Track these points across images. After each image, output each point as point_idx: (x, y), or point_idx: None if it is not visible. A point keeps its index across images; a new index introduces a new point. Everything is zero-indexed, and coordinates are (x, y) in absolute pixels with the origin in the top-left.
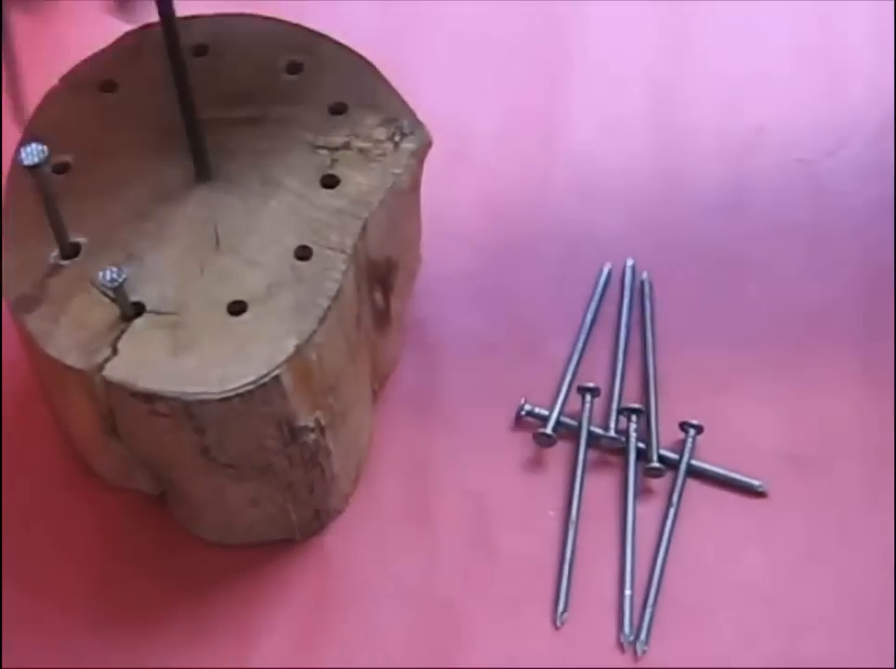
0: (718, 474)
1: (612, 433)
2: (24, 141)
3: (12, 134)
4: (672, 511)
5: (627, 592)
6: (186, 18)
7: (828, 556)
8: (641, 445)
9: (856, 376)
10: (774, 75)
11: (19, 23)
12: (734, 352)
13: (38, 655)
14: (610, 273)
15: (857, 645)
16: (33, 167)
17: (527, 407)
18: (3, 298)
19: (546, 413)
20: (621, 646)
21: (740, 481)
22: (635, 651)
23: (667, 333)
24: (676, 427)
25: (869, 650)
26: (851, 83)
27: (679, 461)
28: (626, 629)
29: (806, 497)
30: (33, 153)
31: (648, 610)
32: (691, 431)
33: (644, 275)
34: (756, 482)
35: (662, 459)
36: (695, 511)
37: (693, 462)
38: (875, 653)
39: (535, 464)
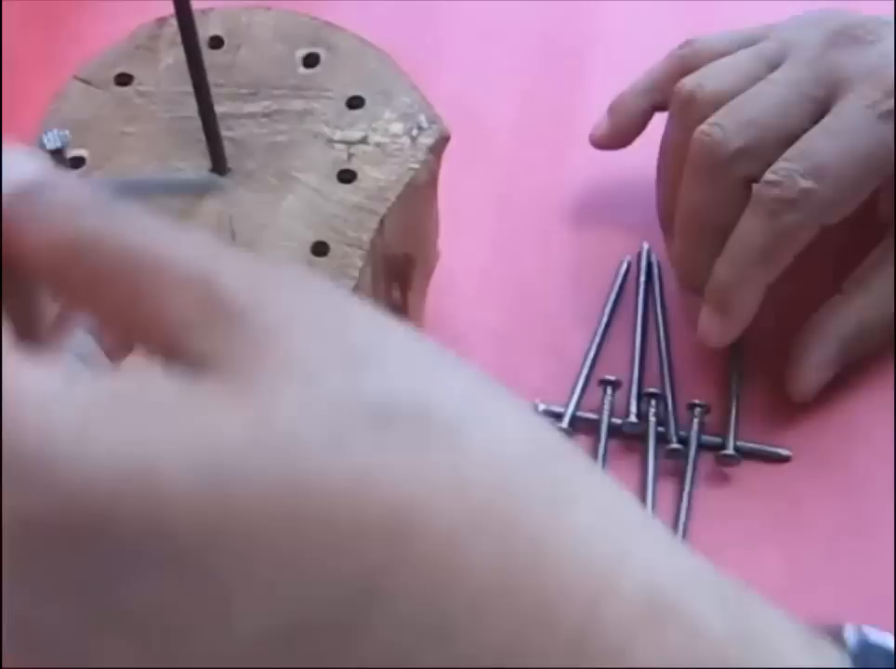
0: (742, 448)
1: (632, 418)
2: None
3: (7, 132)
4: (686, 491)
5: None
6: (202, 10)
7: (846, 549)
8: (661, 429)
9: (878, 368)
10: None
11: (33, 17)
12: None
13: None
14: (629, 267)
15: None
16: (55, 152)
17: (542, 407)
18: None
19: (561, 409)
20: None
21: (766, 452)
22: None
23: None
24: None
25: None
26: None
27: (689, 440)
28: None
29: (823, 489)
30: (55, 139)
31: None
32: (697, 410)
33: (654, 258)
34: (784, 451)
35: (682, 440)
36: (715, 493)
37: (705, 438)
38: None
39: None
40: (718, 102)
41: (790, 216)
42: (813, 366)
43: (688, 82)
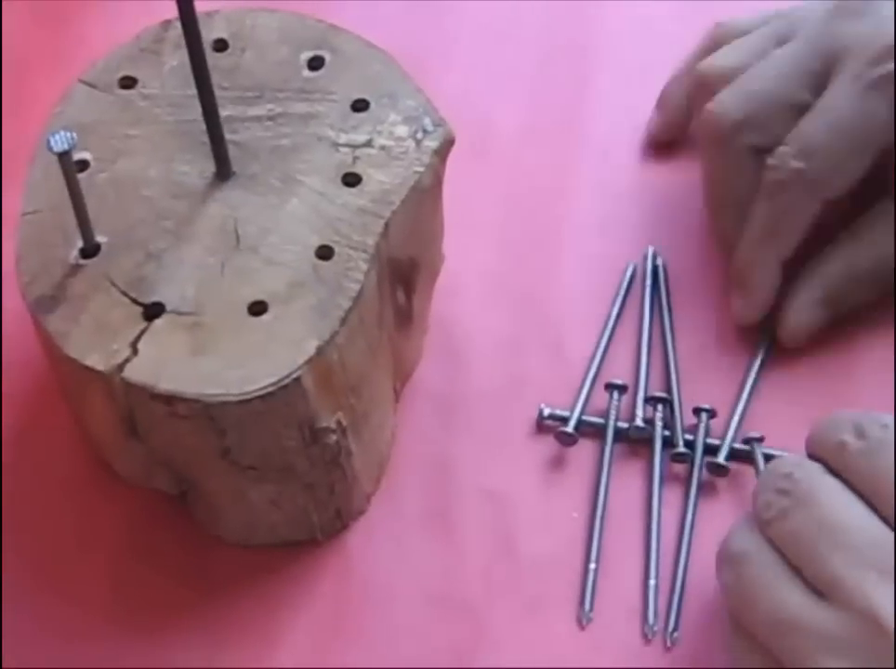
0: (743, 451)
1: (638, 422)
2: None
3: (12, 134)
4: (692, 496)
5: (652, 581)
6: (206, 13)
7: None
8: (667, 433)
9: (882, 369)
10: None
11: (38, 19)
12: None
13: (58, 654)
14: (635, 270)
15: None
16: (63, 154)
17: (547, 411)
18: (23, 299)
19: (567, 413)
20: (645, 636)
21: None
22: (665, 642)
23: (691, 323)
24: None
25: None
26: None
27: (695, 444)
28: (651, 619)
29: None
30: (62, 140)
31: (675, 599)
32: (704, 415)
33: (659, 261)
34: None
35: (688, 444)
36: (720, 497)
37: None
38: None
39: (558, 462)
40: (727, 80)
41: (786, 196)
42: (800, 309)
43: (702, 63)
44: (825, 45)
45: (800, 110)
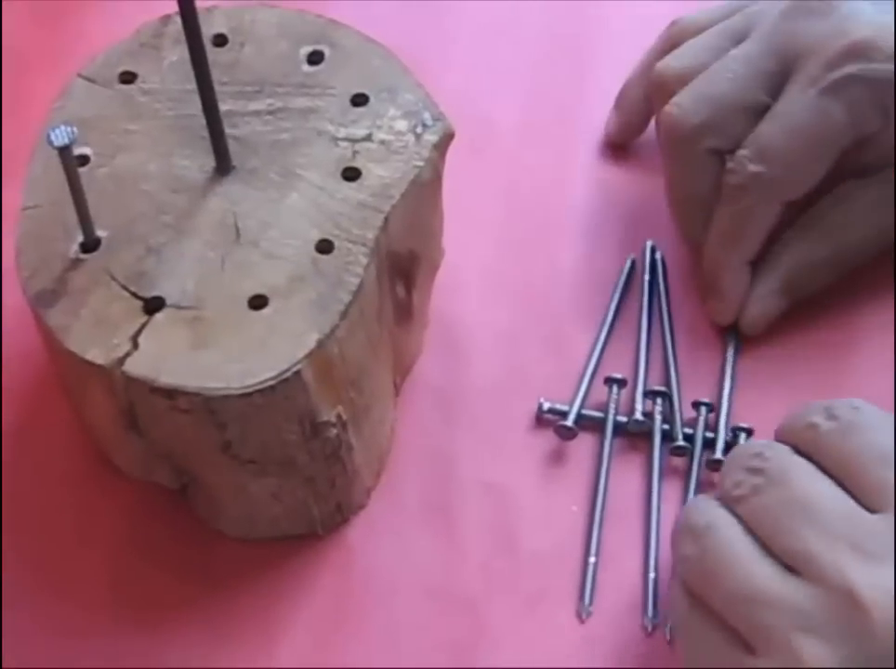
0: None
1: (638, 416)
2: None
3: (12, 130)
4: (692, 489)
5: (651, 575)
6: (206, 8)
7: None
8: (666, 427)
9: (882, 362)
10: None
11: (38, 15)
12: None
13: (58, 651)
14: (634, 264)
15: None
16: (63, 148)
17: (546, 405)
18: (23, 293)
19: (566, 407)
20: (645, 629)
21: None
22: (665, 635)
23: (690, 317)
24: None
25: None
26: None
27: (694, 438)
28: (650, 613)
29: None
30: (63, 135)
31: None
32: (703, 409)
33: (658, 256)
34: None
35: (687, 438)
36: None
37: (711, 435)
38: None
39: (558, 456)
40: (685, 81)
41: (745, 199)
42: (758, 298)
43: (659, 64)
44: (782, 45)
45: (758, 112)
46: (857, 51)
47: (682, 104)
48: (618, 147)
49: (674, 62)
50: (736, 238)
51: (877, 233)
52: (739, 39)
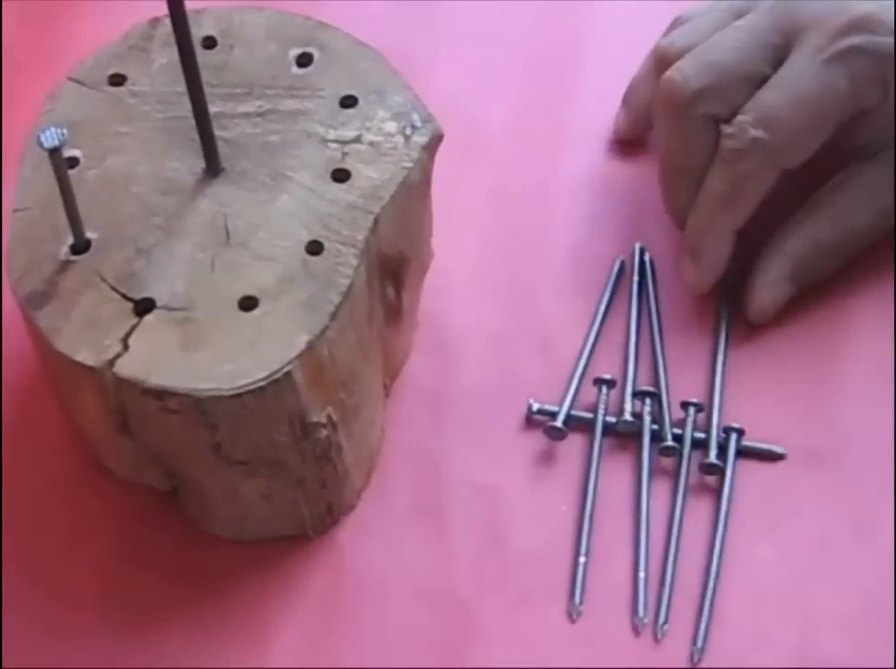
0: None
1: (627, 416)
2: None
3: (12, 134)
4: (681, 489)
5: (641, 574)
6: (195, 11)
7: (842, 550)
8: (655, 427)
9: (872, 361)
10: None
11: (27, 18)
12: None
13: (49, 654)
14: (622, 265)
15: (870, 642)
16: (53, 150)
17: (536, 406)
18: (13, 295)
19: (555, 408)
20: (635, 629)
21: (760, 450)
22: (655, 634)
23: (679, 318)
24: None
25: (883, 648)
26: None
27: (683, 438)
28: (641, 612)
29: (819, 491)
30: (53, 136)
31: (665, 591)
32: (691, 409)
33: (647, 257)
34: (778, 449)
35: (676, 438)
36: (710, 491)
37: (700, 436)
38: (889, 651)
39: (548, 457)
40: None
41: (744, 164)
42: (766, 285)
43: (662, 41)
44: (785, 20)
45: (758, 82)
46: (861, 24)
47: (684, 69)
48: (625, 143)
49: (678, 38)
50: (729, 203)
51: (881, 218)
52: (742, 16)
